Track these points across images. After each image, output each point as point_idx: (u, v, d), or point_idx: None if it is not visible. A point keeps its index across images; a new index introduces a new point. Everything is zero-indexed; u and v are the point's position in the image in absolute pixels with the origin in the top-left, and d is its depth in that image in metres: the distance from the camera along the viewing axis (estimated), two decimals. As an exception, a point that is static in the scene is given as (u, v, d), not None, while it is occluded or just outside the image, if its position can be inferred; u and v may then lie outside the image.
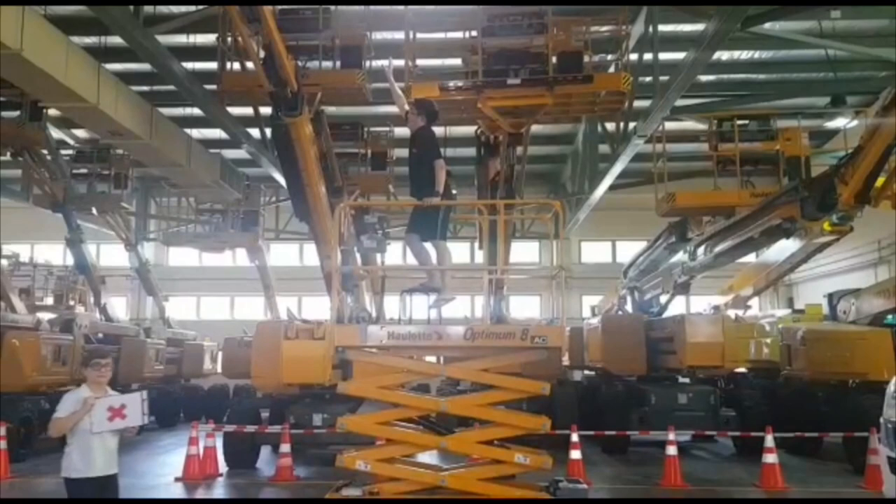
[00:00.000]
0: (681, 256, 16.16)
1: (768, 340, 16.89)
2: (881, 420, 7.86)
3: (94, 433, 5.60)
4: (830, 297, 15.43)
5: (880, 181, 11.09)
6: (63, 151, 18.93)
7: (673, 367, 14.96)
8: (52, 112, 16.26)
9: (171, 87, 15.74)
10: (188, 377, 21.71)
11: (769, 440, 11.05)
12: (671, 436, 11.43)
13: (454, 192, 11.82)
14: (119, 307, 22.81)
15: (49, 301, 18.23)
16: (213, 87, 14.04)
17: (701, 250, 14.98)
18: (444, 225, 8.27)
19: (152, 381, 19.13)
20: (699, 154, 17.58)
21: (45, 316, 16.00)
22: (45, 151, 17.40)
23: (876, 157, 10.39)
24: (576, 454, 11.18)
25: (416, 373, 7.57)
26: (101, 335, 17.29)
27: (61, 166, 17.97)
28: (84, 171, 18.87)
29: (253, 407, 13.93)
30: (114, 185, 18.88)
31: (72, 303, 18.22)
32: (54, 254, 22.81)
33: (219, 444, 12.32)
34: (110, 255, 25.98)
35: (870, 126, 11.09)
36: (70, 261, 19.03)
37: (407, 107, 8.58)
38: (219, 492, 11.04)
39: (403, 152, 8.79)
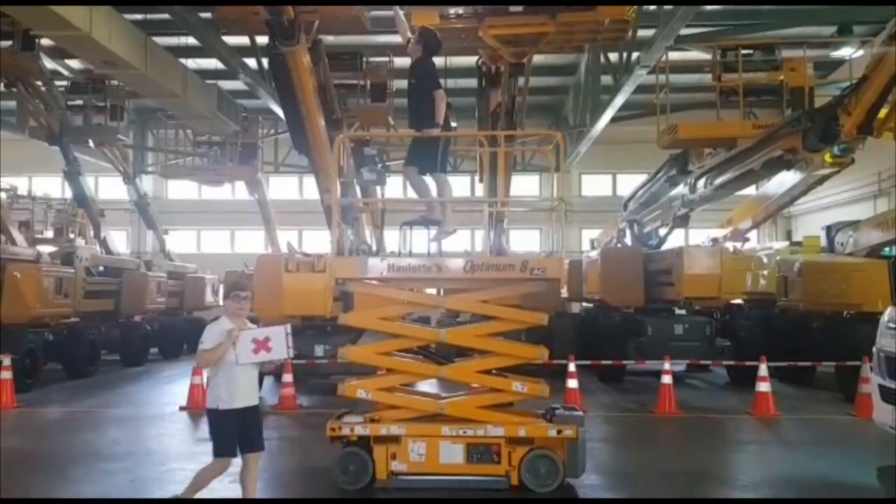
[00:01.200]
0: (681, 189, 16.14)
1: (765, 272, 16.99)
2: (874, 349, 7.97)
3: (239, 365, 5.62)
4: (828, 229, 15.44)
5: (883, 112, 10.98)
6: (57, 83, 18.68)
7: (670, 299, 15.10)
8: (45, 42, 15.98)
9: (165, 16, 15.44)
10: (190, 310, 21.89)
11: (763, 369, 11.24)
12: (667, 365, 11.61)
13: (454, 124, 11.74)
14: (119, 241, 22.84)
15: (49, 234, 18.23)
16: (208, 14, 13.75)
17: (701, 182, 14.95)
18: (444, 157, 8.21)
19: (154, 314, 19.34)
20: (702, 86, 17.35)
21: (46, 249, 16.07)
22: (39, 82, 17.18)
23: (880, 88, 10.27)
24: (573, 383, 11.38)
25: (416, 304, 7.63)
26: (101, 268, 17.40)
27: (56, 98, 17.76)
28: (79, 102, 18.63)
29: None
30: (110, 117, 18.68)
31: (72, 236, 18.21)
32: (53, 187, 22.70)
33: (222, 374, 12.49)
34: (109, 188, 25.91)
35: (875, 55, 10.94)
36: (69, 194, 18.97)
37: (410, 34, 8.41)
38: (223, 420, 11.23)
39: (404, 83, 8.64)
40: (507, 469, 6.95)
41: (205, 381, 11.80)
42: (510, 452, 6.95)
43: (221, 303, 20.28)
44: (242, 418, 5.67)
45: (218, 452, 5.69)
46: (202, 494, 5.81)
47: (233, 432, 5.65)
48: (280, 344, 5.68)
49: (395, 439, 6.94)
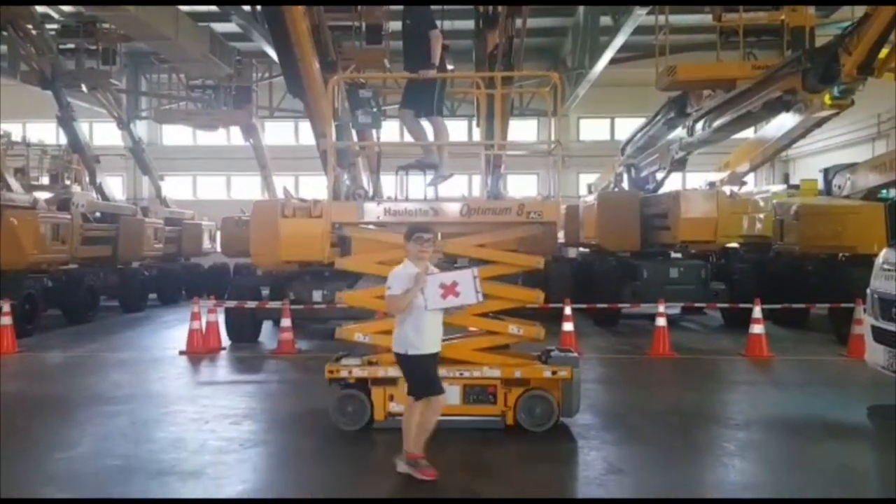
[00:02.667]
0: (679, 132, 16.05)
1: (762, 216, 17.04)
2: (868, 291, 8.03)
3: (428, 310, 5.55)
4: (826, 172, 15.42)
5: (884, 52, 10.86)
6: (48, 26, 18.38)
7: (666, 243, 15.17)
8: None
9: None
10: (188, 256, 21.97)
11: (757, 311, 11.34)
12: (661, 308, 11.71)
13: (451, 67, 11.57)
14: (115, 186, 22.79)
15: (45, 181, 18.15)
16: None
17: (699, 125, 14.85)
18: (440, 100, 8.14)
19: (152, 260, 19.40)
20: (702, 26, 17.09)
21: (42, 195, 16.03)
22: (29, 26, 16.92)
23: (882, 26, 10.11)
24: (568, 326, 11.49)
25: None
26: (98, 214, 17.38)
27: (47, 41, 17.53)
28: (71, 46, 18.42)
29: (253, 284, 14.17)
30: (102, 60, 18.46)
31: (67, 182, 18.14)
32: (47, 133, 22.52)
33: (221, 319, 12.62)
34: (103, 133, 25.73)
35: (878, -7, 10.74)
36: (63, 140, 18.84)
37: None
38: (222, 364, 11.39)
39: (400, 25, 8.51)
40: (502, 409, 7.07)
41: (203, 326, 11.99)
42: (506, 393, 7.07)
43: (219, 249, 20.32)
44: (430, 363, 5.69)
45: (421, 393, 5.69)
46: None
47: (431, 372, 5.70)
48: (468, 288, 5.57)
49: (392, 381, 7.02)
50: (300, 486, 5.84)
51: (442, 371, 7.01)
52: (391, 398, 7.07)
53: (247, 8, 16.29)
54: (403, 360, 5.74)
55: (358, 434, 6.96)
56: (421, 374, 5.70)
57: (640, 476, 6.00)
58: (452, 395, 7.04)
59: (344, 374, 7.11)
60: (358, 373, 7.09)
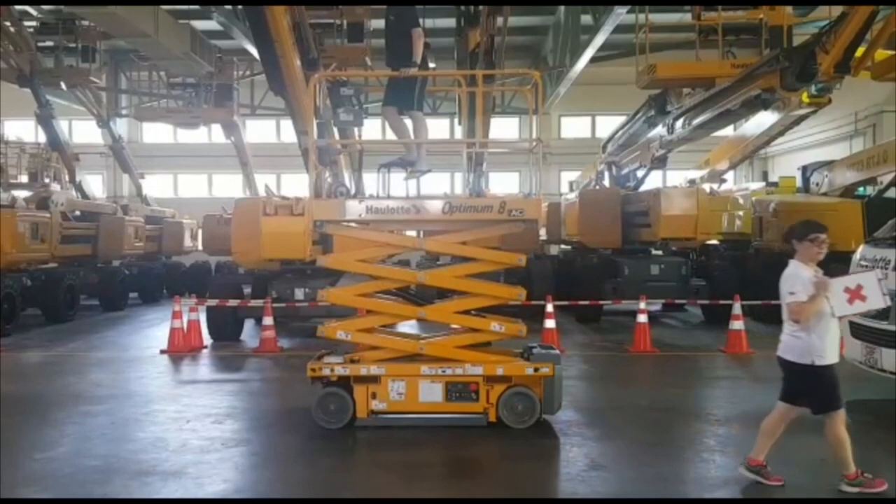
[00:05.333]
0: (659, 130, 16.15)
1: (741, 213, 17.19)
2: (845, 287, 8.11)
3: (835, 317, 5.20)
4: (804, 169, 15.60)
5: (860, 51, 10.99)
6: (27, 23, 18.21)
7: (647, 240, 15.26)
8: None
9: (134, -47, 14.97)
10: (169, 254, 21.83)
11: (737, 307, 11.45)
12: (642, 304, 11.80)
13: (432, 65, 11.59)
14: (95, 185, 22.60)
15: (23, 179, 17.97)
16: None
17: (679, 123, 14.95)
18: (421, 95, 8.16)
19: (132, 259, 19.27)
20: (681, 24, 17.20)
21: (21, 194, 15.88)
22: (7, 23, 16.74)
23: (859, 25, 10.21)
24: (550, 323, 11.53)
25: (395, 246, 7.65)
26: (78, 213, 17.24)
27: (26, 39, 17.37)
28: (50, 43, 18.27)
29: (235, 282, 14.13)
30: (81, 58, 18.29)
31: (46, 180, 17.97)
32: (25, 130, 22.27)
33: (203, 318, 12.56)
34: (83, 131, 25.48)
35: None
36: (42, 138, 18.66)
37: None
38: (204, 362, 11.35)
39: (382, 23, 8.52)
40: (485, 406, 7.09)
41: (185, 325, 11.92)
42: (488, 390, 7.08)
43: (200, 247, 20.18)
44: (833, 374, 5.29)
45: (826, 407, 5.33)
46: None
47: (837, 382, 5.30)
48: (874, 292, 5.17)
49: (374, 379, 7.03)
50: (282, 485, 5.82)
51: (424, 369, 7.09)
52: (373, 396, 7.07)
53: (228, 6, 16.19)
54: (808, 372, 5.30)
55: (340, 432, 6.96)
56: (828, 386, 5.30)
57: (622, 472, 6.04)
58: (435, 392, 7.09)
59: (326, 372, 7.11)
60: (340, 371, 7.09)
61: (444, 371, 7.07)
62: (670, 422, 7.55)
